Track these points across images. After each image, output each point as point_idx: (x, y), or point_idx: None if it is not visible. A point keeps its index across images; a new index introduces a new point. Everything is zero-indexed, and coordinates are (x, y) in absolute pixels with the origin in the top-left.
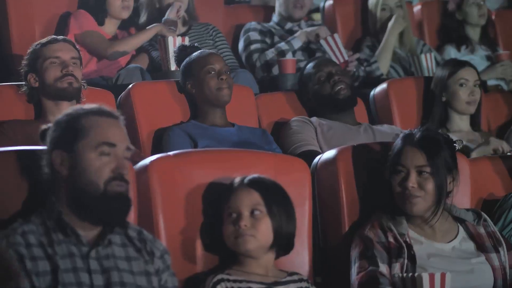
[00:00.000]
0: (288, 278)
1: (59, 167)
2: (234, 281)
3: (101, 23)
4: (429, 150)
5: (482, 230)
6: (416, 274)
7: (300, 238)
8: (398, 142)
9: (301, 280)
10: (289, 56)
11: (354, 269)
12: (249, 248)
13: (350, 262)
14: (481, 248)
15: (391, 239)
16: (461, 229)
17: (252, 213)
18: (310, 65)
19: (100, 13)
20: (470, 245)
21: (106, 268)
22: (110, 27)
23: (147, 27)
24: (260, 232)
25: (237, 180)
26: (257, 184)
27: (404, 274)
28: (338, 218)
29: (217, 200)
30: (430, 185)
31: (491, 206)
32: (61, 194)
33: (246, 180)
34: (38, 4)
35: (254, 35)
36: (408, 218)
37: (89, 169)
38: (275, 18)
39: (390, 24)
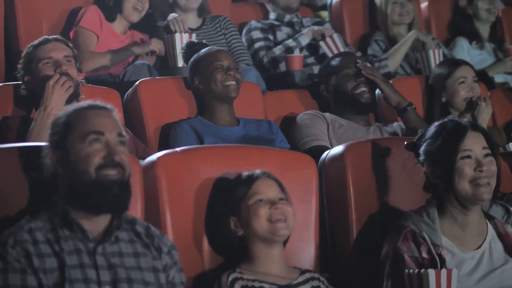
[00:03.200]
0: (300, 279)
1: (56, 165)
2: (248, 280)
3: (112, 19)
4: (485, 133)
5: (510, 229)
6: (422, 270)
7: (306, 234)
8: (450, 130)
9: (313, 279)
10: (296, 53)
11: (386, 284)
12: (285, 233)
13: (381, 268)
14: (508, 249)
15: (424, 254)
16: (490, 228)
17: (279, 199)
18: (339, 59)
19: (115, 8)
20: (499, 247)
21: (113, 264)
22: (120, 26)
23: (133, 47)
24: (290, 219)
25: (246, 173)
26: (277, 180)
27: (411, 270)
28: (345, 214)
29: (223, 196)
30: (494, 167)
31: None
32: (62, 190)
33: (264, 172)
34: (45, 0)
35: (256, 34)
36: (443, 222)
37: (79, 158)
38: (272, 15)
39: (411, 33)
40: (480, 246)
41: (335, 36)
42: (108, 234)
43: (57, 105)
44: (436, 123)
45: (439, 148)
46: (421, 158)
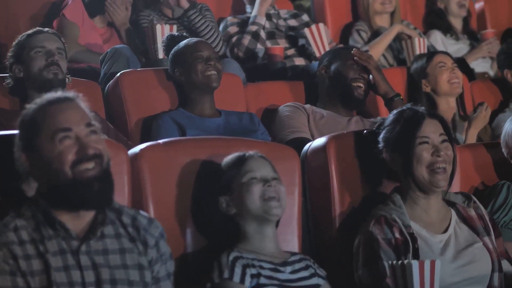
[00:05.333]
0: (293, 258)
1: (30, 169)
2: (247, 258)
3: (93, 15)
4: (442, 120)
5: (472, 213)
6: (406, 262)
7: (290, 226)
8: (408, 118)
9: (304, 259)
10: (262, 34)
11: (362, 273)
12: (278, 213)
13: (355, 258)
14: (475, 231)
15: (397, 235)
16: (453, 212)
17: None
18: (349, 50)
19: (99, 6)
20: (464, 230)
21: (98, 264)
22: (99, 22)
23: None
24: (283, 198)
25: (238, 153)
26: (266, 158)
27: (394, 262)
28: (328, 205)
29: (209, 183)
30: (451, 152)
31: (482, 194)
32: (41, 190)
33: (256, 153)
34: None
35: (233, 29)
36: (408, 208)
37: (52, 158)
38: (248, 8)
39: (394, 25)
40: (446, 230)
41: (321, 25)
42: (92, 231)
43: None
44: (394, 111)
45: (398, 134)
46: (380, 145)
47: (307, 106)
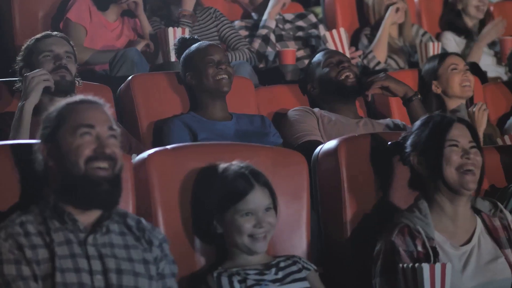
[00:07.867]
0: (277, 260)
1: (46, 158)
2: (231, 271)
3: (105, 8)
4: (471, 126)
5: (497, 223)
6: (416, 265)
7: (298, 231)
8: (437, 121)
9: (291, 257)
10: (272, 37)
11: (379, 280)
12: (264, 249)
13: (374, 264)
14: (498, 243)
15: (419, 247)
16: (479, 221)
17: (265, 211)
18: (321, 53)
19: None
20: (488, 241)
21: (104, 254)
22: (112, 14)
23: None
24: (270, 234)
25: (236, 168)
26: (266, 182)
27: (405, 265)
28: (339, 209)
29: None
30: (479, 158)
31: (492, 197)
32: (53, 184)
33: (257, 179)
34: None
35: (242, 33)
36: (434, 216)
37: (69, 150)
38: (254, 15)
39: (386, 15)
40: (470, 241)
41: (342, 30)
42: (98, 225)
43: (33, 98)
44: (422, 118)
45: (427, 137)
46: (407, 150)
47: (316, 109)
